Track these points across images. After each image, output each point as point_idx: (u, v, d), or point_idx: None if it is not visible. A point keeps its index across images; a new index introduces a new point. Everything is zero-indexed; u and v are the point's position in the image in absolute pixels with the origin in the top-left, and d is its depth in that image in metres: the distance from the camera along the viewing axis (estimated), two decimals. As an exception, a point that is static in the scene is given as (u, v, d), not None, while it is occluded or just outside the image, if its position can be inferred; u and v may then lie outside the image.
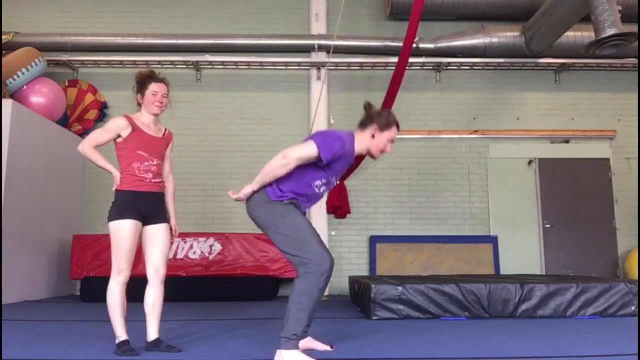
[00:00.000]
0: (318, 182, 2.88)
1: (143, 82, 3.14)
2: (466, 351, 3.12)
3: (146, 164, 3.09)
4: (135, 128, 3.10)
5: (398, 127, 3.01)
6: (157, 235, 3.11)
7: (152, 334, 3.10)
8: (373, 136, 2.95)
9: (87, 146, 3.08)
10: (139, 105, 3.19)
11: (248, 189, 2.86)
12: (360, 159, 7.11)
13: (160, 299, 3.10)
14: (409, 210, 7.78)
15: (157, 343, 3.08)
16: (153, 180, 3.11)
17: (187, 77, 7.94)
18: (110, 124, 3.11)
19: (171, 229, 3.26)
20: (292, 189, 2.84)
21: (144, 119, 3.17)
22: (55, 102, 6.93)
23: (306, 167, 2.82)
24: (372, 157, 3.01)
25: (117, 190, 3.08)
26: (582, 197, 7.76)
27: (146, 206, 3.07)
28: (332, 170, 2.87)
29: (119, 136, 3.09)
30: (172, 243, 3.64)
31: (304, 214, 2.95)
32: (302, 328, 2.70)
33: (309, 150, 2.74)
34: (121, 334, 2.99)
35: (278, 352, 2.71)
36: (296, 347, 2.70)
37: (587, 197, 7.76)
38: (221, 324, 4.29)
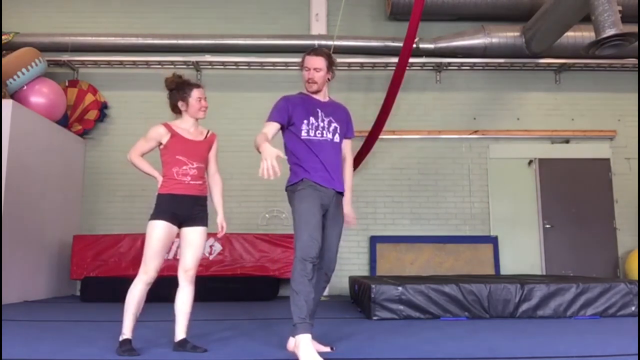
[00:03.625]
0: (304, 129, 3.13)
1: (182, 89, 3.24)
2: (466, 351, 3.12)
3: (184, 167, 3.17)
4: (173, 134, 3.20)
5: (309, 54, 3.23)
6: (192, 238, 3.18)
7: (179, 334, 3.14)
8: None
9: (134, 155, 3.25)
10: (177, 112, 3.29)
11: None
12: (360, 158, 7.12)
13: (188, 299, 3.16)
14: (409, 210, 7.78)
15: (182, 343, 3.11)
16: (191, 182, 3.18)
17: (187, 77, 7.93)
18: (149, 132, 3.23)
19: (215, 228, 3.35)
20: (298, 157, 3.10)
21: (185, 124, 3.28)
22: (55, 102, 6.94)
23: (290, 132, 3.17)
24: (308, 90, 3.25)
25: (158, 194, 3.17)
26: (582, 197, 7.76)
27: (183, 208, 3.13)
28: (303, 113, 3.14)
29: (160, 143, 3.20)
30: (212, 237, 3.79)
31: (331, 193, 3.09)
32: (305, 312, 2.81)
33: (268, 122, 3.13)
34: (126, 332, 3.01)
35: (294, 340, 2.84)
36: (306, 331, 2.80)
37: (587, 197, 7.76)
38: (221, 324, 4.29)
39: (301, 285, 2.84)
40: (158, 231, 3.05)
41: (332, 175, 3.12)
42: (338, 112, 3.29)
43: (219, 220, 3.35)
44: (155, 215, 3.09)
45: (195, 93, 3.25)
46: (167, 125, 3.23)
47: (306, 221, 2.93)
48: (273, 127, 3.11)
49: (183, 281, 3.17)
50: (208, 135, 3.36)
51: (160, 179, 3.20)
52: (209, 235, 3.34)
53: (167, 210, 3.09)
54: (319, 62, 3.18)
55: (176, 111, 3.31)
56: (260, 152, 2.84)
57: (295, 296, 2.84)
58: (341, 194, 3.20)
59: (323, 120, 3.18)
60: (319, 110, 3.19)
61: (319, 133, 3.14)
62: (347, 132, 3.33)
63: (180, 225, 3.16)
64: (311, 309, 2.86)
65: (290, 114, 3.13)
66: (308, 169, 3.07)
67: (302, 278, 2.85)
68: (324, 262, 3.11)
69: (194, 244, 3.18)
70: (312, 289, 2.87)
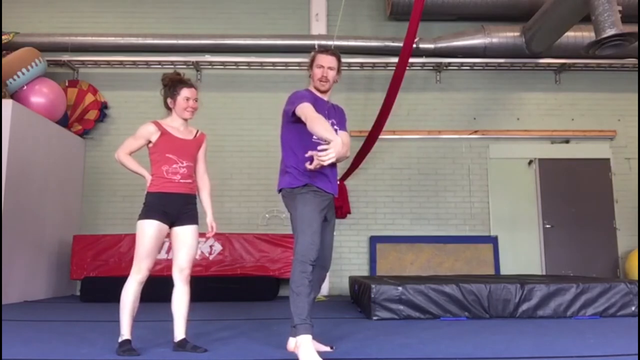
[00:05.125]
0: None
1: (173, 86, 3.21)
2: (466, 351, 3.12)
3: (174, 166, 3.15)
4: (163, 132, 3.17)
5: (322, 52, 3.23)
6: (184, 237, 3.16)
7: (179, 334, 3.14)
8: (310, 76, 3.27)
9: (121, 153, 3.19)
10: (168, 109, 3.26)
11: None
12: (360, 158, 7.12)
13: (185, 299, 3.14)
14: (409, 210, 7.78)
15: (182, 343, 3.11)
16: (181, 181, 3.16)
17: (187, 77, 7.93)
18: (139, 130, 3.19)
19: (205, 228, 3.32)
20: (303, 160, 2.96)
21: (174, 122, 3.25)
22: (55, 102, 6.94)
23: (299, 130, 3.03)
24: (319, 89, 3.21)
25: (147, 192, 3.15)
26: (582, 197, 7.76)
27: (173, 206, 3.12)
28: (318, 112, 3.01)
29: (149, 141, 3.17)
30: (211, 237, 3.79)
31: (330, 198, 3.11)
32: (305, 312, 2.82)
33: (305, 107, 2.92)
34: (125, 333, 3.01)
35: (295, 340, 2.85)
36: (307, 332, 2.80)
37: (587, 197, 7.76)
38: (221, 324, 4.29)
39: (301, 286, 2.85)
40: (149, 230, 3.02)
41: (331, 179, 3.13)
42: (338, 115, 3.30)
43: (209, 220, 3.33)
44: (146, 215, 3.05)
45: (183, 92, 3.20)
46: (156, 123, 3.19)
47: (308, 225, 2.93)
48: (301, 106, 2.94)
49: (178, 281, 3.14)
50: (197, 135, 3.34)
51: (148, 177, 3.16)
52: (203, 235, 3.33)
53: (157, 209, 3.06)
54: (333, 61, 3.18)
55: (168, 108, 3.28)
56: (315, 131, 2.76)
57: (295, 297, 2.85)
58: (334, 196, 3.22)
59: (329, 123, 3.12)
60: (327, 112, 3.17)
61: None
62: (343, 128, 3.31)
63: (171, 225, 3.13)
64: (310, 311, 2.87)
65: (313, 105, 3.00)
66: (311, 174, 3.02)
67: (302, 279, 2.85)
68: (322, 260, 3.12)
69: (187, 243, 3.15)
70: (311, 290, 2.89)
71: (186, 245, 3.15)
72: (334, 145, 2.61)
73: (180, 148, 3.18)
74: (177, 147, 3.17)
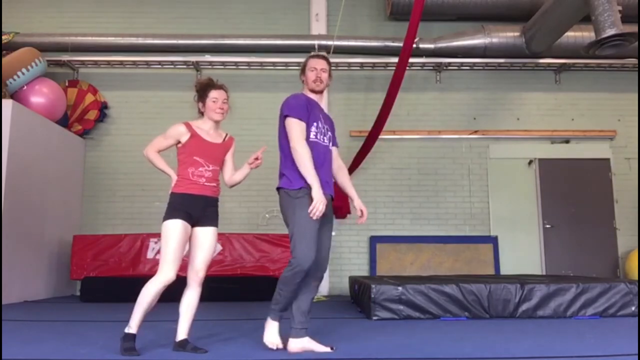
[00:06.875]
0: (313, 131, 3.17)
1: (203, 90, 3.27)
2: (466, 351, 3.12)
3: (201, 169, 3.18)
4: (193, 134, 3.20)
5: (315, 57, 3.35)
6: (204, 239, 3.18)
7: (181, 334, 3.14)
8: (303, 80, 3.37)
9: (150, 151, 3.23)
10: (200, 113, 3.32)
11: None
12: (360, 158, 7.12)
13: (195, 301, 3.20)
14: (409, 210, 7.78)
15: (183, 343, 3.11)
16: (206, 184, 3.19)
17: (187, 77, 7.93)
18: (169, 130, 3.22)
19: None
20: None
21: (205, 125, 3.29)
22: (55, 102, 6.93)
23: None
24: (314, 90, 3.30)
25: (171, 193, 3.17)
26: (582, 197, 7.76)
27: (196, 208, 3.13)
28: (313, 117, 3.19)
29: (179, 142, 3.20)
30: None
31: (331, 198, 3.20)
32: (282, 304, 3.09)
33: (295, 125, 3.10)
34: (133, 326, 3.00)
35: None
36: (276, 319, 3.14)
37: (587, 197, 7.76)
38: (221, 324, 4.29)
39: (289, 284, 3.02)
40: (176, 230, 3.03)
41: (329, 180, 3.19)
42: (329, 121, 3.39)
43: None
44: (171, 215, 3.06)
45: (211, 94, 3.24)
46: (187, 125, 3.22)
47: (305, 230, 2.98)
48: (304, 129, 3.11)
49: (193, 282, 3.19)
50: (226, 139, 3.38)
51: (174, 177, 3.18)
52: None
53: (181, 209, 3.08)
54: (325, 64, 3.30)
55: (200, 113, 3.34)
56: (301, 169, 3.00)
57: (279, 290, 3.08)
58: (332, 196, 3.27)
59: (324, 126, 3.25)
60: (321, 116, 3.26)
61: (321, 138, 3.20)
62: (334, 141, 3.41)
63: (192, 226, 3.15)
64: (287, 306, 3.12)
65: (308, 114, 3.14)
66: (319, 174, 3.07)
67: (293, 279, 2.99)
68: (318, 263, 3.13)
69: (205, 245, 3.18)
70: (297, 288, 3.06)
71: (204, 248, 3.18)
72: (319, 202, 2.94)
73: (208, 151, 3.21)
74: (205, 150, 3.20)
